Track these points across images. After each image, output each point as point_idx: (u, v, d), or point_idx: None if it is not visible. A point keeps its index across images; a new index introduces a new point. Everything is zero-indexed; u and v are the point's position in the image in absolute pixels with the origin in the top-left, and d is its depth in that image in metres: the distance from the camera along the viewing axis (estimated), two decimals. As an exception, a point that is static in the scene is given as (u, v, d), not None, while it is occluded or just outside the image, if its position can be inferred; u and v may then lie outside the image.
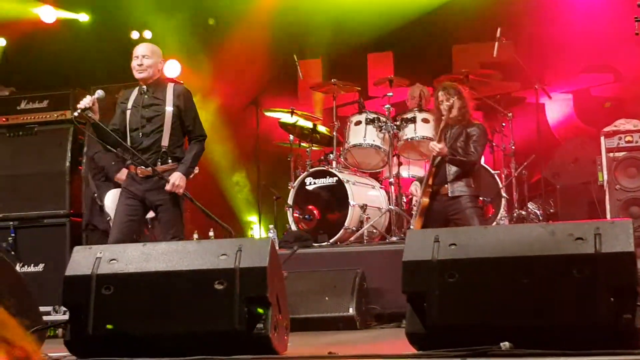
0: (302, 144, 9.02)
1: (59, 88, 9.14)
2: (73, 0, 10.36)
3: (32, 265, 8.05)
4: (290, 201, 8.26)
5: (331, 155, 8.56)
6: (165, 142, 6.41)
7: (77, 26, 10.51)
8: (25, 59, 10.15)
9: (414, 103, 8.51)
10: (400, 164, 8.33)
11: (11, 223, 8.16)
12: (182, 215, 6.58)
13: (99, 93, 6.38)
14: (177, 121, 6.47)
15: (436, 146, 6.98)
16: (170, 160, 6.40)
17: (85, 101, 6.29)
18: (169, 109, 6.43)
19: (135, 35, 10.64)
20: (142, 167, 6.40)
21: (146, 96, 6.50)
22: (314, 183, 8.25)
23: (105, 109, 6.75)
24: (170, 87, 6.56)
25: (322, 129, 8.91)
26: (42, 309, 6.54)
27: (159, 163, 6.38)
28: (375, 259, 7.31)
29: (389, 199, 8.20)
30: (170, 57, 10.39)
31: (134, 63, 6.51)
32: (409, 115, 8.14)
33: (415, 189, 7.33)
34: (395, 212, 8.03)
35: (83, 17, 10.61)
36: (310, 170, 8.37)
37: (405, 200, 8.22)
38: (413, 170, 8.52)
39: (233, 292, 4.26)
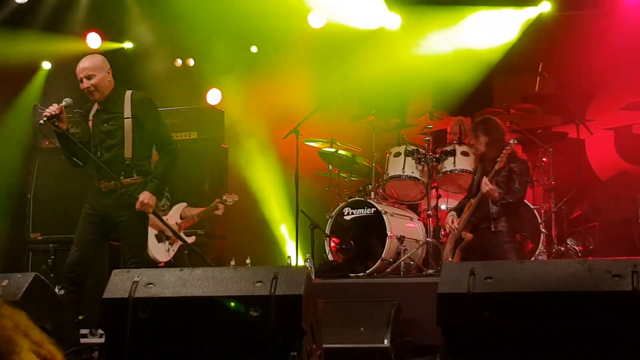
0: (341, 174, 9.05)
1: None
2: (118, 30, 10.52)
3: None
4: (327, 231, 8.27)
5: (370, 186, 8.57)
6: (128, 154, 6.09)
7: (122, 53, 10.67)
8: (69, 83, 10.31)
9: (455, 139, 8.52)
10: (438, 196, 8.31)
11: (51, 245, 8.26)
12: (145, 235, 6.27)
13: (67, 101, 6.00)
14: (139, 131, 6.12)
15: (487, 186, 6.95)
16: (135, 174, 6.08)
17: (52, 108, 5.92)
18: (127, 119, 6.08)
19: (178, 62, 10.78)
20: (105, 181, 6.07)
21: (103, 110, 6.15)
22: (352, 213, 8.26)
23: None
24: (127, 96, 6.18)
25: (361, 159, 8.93)
26: (80, 330, 6.60)
27: (122, 176, 6.06)
28: (412, 291, 7.26)
29: (426, 232, 8.17)
30: (212, 84, 10.52)
31: (81, 86, 6.11)
32: (449, 148, 8.15)
33: (452, 220, 7.30)
34: (433, 245, 8.00)
35: (127, 45, 10.77)
36: (349, 200, 8.39)
37: (442, 232, 8.19)
38: (452, 203, 8.48)
39: (268, 319, 4.28)
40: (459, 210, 7.41)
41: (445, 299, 4.19)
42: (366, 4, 10.14)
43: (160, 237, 7.89)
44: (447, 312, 4.18)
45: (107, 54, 10.37)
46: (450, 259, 7.20)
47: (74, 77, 10.09)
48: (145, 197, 6.00)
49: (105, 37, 10.33)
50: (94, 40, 10.32)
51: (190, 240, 7.97)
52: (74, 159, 6.17)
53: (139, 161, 6.12)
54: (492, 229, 7.03)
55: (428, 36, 10.05)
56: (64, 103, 5.97)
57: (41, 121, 5.91)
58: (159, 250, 7.85)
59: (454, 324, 4.15)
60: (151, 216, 7.73)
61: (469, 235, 7.08)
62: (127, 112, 6.08)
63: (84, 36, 10.23)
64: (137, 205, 5.98)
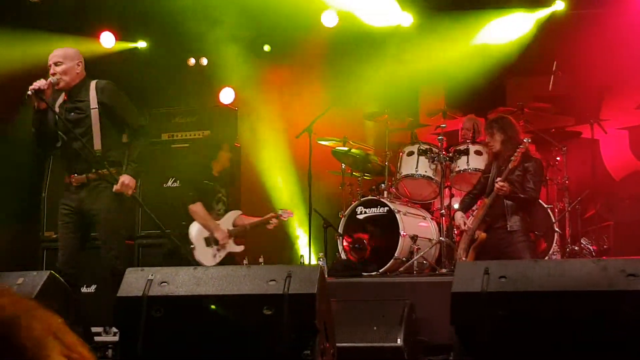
0: (354, 172, 9.04)
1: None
2: (132, 29, 10.53)
3: (85, 286, 8.16)
4: (340, 230, 8.26)
5: (383, 184, 8.56)
6: (97, 145, 5.99)
7: (135, 52, 10.70)
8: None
9: (467, 135, 8.49)
10: (452, 195, 8.30)
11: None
12: (123, 225, 6.22)
13: (54, 79, 5.98)
14: (107, 120, 6.02)
15: (498, 183, 6.95)
16: (106, 165, 5.97)
17: (41, 82, 5.84)
18: (94, 109, 5.99)
19: (192, 61, 10.80)
20: (76, 174, 6.00)
21: (69, 100, 6.08)
22: (365, 212, 8.26)
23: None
24: (92, 85, 6.10)
25: (374, 158, 8.93)
26: (93, 329, 6.63)
27: (93, 169, 5.98)
28: (425, 290, 7.25)
29: (439, 231, 8.16)
30: (225, 84, 10.53)
31: (50, 71, 6.04)
32: (462, 147, 8.13)
33: (464, 221, 7.29)
34: (446, 244, 7.99)
35: (141, 44, 10.79)
36: (362, 199, 8.38)
37: (456, 232, 8.17)
38: (465, 202, 8.47)
39: (281, 318, 4.29)
40: (464, 208, 7.41)
41: (459, 298, 4.19)
42: (380, 3, 10.11)
43: (208, 241, 7.86)
44: (461, 311, 4.18)
45: (121, 53, 10.51)
46: (463, 259, 7.19)
47: (88, 77, 10.17)
48: (125, 178, 5.94)
49: (119, 36, 10.36)
50: (108, 39, 10.34)
51: (239, 249, 7.97)
52: (43, 141, 6.10)
53: (108, 151, 6.04)
54: (507, 229, 7.02)
55: (442, 36, 10.01)
56: (51, 79, 5.95)
57: (28, 92, 5.80)
58: (205, 254, 7.82)
59: (468, 323, 4.14)
60: (203, 218, 7.76)
61: (482, 235, 7.07)
62: (93, 102, 6.02)
63: (97, 36, 10.26)
64: (117, 186, 5.91)
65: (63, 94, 6.13)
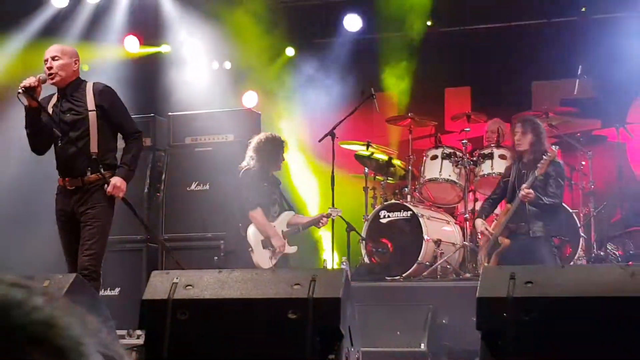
0: (377, 176, 9.02)
1: (139, 115, 9.37)
2: (156, 34, 10.58)
3: (109, 289, 8.18)
4: (364, 234, 8.25)
5: (406, 188, 8.54)
6: (94, 148, 5.86)
7: (159, 56, 10.74)
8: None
9: (492, 139, 8.46)
10: (476, 199, 8.26)
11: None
12: (107, 232, 6.01)
13: (43, 76, 5.81)
14: (104, 123, 5.91)
15: (524, 190, 6.89)
16: (101, 169, 5.85)
17: (30, 80, 5.67)
18: (92, 111, 5.87)
19: (215, 65, 10.83)
20: (71, 177, 5.86)
21: (64, 100, 5.94)
22: (388, 216, 8.23)
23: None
24: (89, 87, 5.96)
25: (397, 162, 8.90)
26: (117, 332, 6.65)
27: (89, 172, 5.84)
28: (449, 295, 7.23)
29: (463, 235, 8.13)
30: (248, 87, 10.55)
31: (45, 67, 5.90)
32: (486, 151, 8.09)
33: (485, 227, 7.24)
34: (470, 249, 7.95)
35: (165, 49, 10.84)
36: (385, 203, 8.36)
37: (479, 236, 8.13)
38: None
39: (306, 322, 4.27)
40: (484, 214, 7.34)
41: (484, 303, 4.16)
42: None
43: (265, 244, 7.86)
44: (487, 316, 4.14)
45: (145, 58, 10.56)
46: (485, 264, 7.15)
47: (112, 80, 10.23)
48: (117, 180, 5.84)
49: (142, 41, 10.40)
50: (132, 43, 10.39)
51: (292, 250, 7.93)
52: (36, 142, 5.96)
53: (104, 154, 5.94)
54: (531, 235, 6.97)
55: (464, 43, 9.99)
56: (41, 77, 5.78)
57: (19, 91, 5.64)
58: (262, 257, 7.81)
59: (494, 328, 4.11)
60: (262, 224, 7.74)
61: (506, 241, 7.03)
62: (91, 104, 5.90)
63: (122, 40, 10.31)
64: (109, 189, 5.80)
65: (56, 94, 6.02)
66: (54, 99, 6.00)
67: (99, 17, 10.01)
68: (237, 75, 10.67)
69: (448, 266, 8.02)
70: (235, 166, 8.70)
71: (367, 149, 8.77)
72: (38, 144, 6.00)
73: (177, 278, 4.54)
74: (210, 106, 9.84)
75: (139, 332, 6.42)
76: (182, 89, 10.37)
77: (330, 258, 8.63)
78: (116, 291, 8.30)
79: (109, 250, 8.23)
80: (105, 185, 5.84)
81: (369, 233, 8.27)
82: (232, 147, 8.78)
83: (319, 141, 8.71)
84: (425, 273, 7.95)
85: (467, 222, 8.08)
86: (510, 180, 7.24)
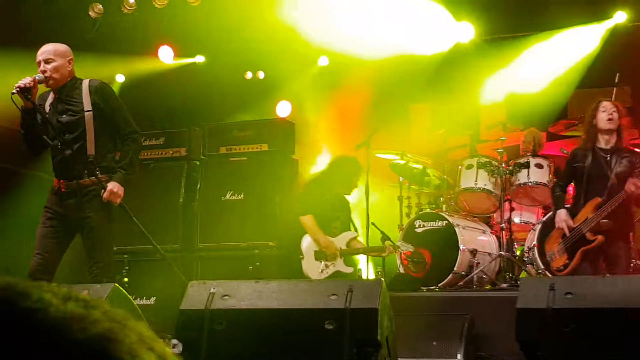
0: (411, 186, 8.99)
1: (175, 126, 9.43)
2: (190, 44, 10.64)
3: (144, 298, 8.23)
4: (399, 243, 8.21)
5: (441, 198, 8.50)
6: (90, 150, 5.67)
7: (193, 67, 10.80)
8: (141, 96, 10.48)
9: (528, 148, 8.39)
10: (512, 209, 8.18)
11: (125, 256, 8.36)
12: (112, 236, 5.85)
13: (40, 76, 5.61)
14: (101, 123, 5.72)
15: (637, 183, 6.40)
16: (98, 172, 5.65)
17: (26, 80, 5.48)
18: (88, 112, 5.68)
19: (249, 75, 10.87)
20: (66, 180, 5.66)
21: (60, 101, 5.75)
22: (424, 226, 8.20)
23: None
24: (85, 85, 5.76)
25: (432, 171, 8.86)
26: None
27: (85, 175, 5.64)
28: (485, 305, 7.18)
29: (499, 245, 8.06)
30: (282, 97, 10.57)
31: (38, 68, 5.67)
32: (523, 160, 8.02)
33: (568, 220, 6.76)
34: (506, 258, 7.89)
35: (199, 59, 10.89)
36: (420, 213, 8.33)
37: (516, 245, 8.07)
38: (525, 216, 8.38)
39: (343, 332, 4.27)
40: (562, 204, 6.92)
41: (524, 314, 4.13)
42: (434, 25, 10.02)
43: (318, 255, 7.88)
44: (526, 327, 4.11)
45: (180, 68, 10.63)
46: (557, 258, 6.85)
47: (147, 91, 10.32)
48: (114, 186, 5.65)
49: (177, 52, 10.47)
50: (166, 54, 10.46)
51: (348, 270, 7.95)
52: (32, 143, 5.79)
53: (101, 156, 5.74)
54: (617, 230, 6.63)
55: (501, 54, 9.91)
56: (37, 77, 5.59)
57: (13, 91, 5.46)
58: (312, 267, 7.84)
59: (533, 339, 4.07)
60: (312, 231, 7.76)
61: (600, 238, 6.62)
62: (87, 104, 5.72)
63: (156, 51, 10.39)
64: (105, 195, 5.61)
65: (52, 94, 5.82)
66: (50, 99, 5.81)
67: (134, 28, 10.08)
68: (270, 85, 10.69)
69: (484, 276, 7.96)
70: (270, 175, 8.74)
71: (402, 158, 8.74)
72: (34, 145, 5.83)
73: (214, 288, 4.56)
74: (244, 116, 9.88)
75: (174, 341, 6.43)
76: (217, 99, 10.42)
77: (365, 268, 8.60)
78: (152, 300, 8.34)
79: (145, 259, 8.35)
80: (102, 191, 5.66)
81: (404, 242, 8.23)
82: (267, 157, 8.81)
83: (354, 150, 8.69)
84: (461, 283, 7.90)
85: (503, 232, 8.01)
86: (585, 166, 6.74)
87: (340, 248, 7.96)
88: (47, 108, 5.77)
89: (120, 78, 10.59)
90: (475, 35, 9.90)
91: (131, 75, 10.58)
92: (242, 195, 8.71)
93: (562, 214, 6.84)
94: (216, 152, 9.04)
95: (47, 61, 5.66)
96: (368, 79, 10.31)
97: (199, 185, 8.85)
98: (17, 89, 5.44)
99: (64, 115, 5.73)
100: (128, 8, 9.98)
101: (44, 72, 5.63)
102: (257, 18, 9.80)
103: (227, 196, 8.77)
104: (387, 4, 9.80)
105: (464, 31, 9.89)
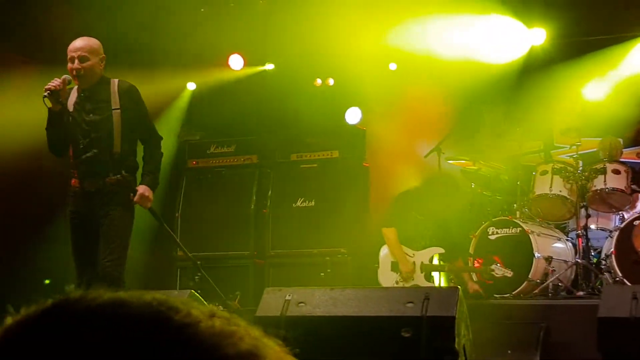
0: (484, 192, 8.88)
1: (245, 133, 9.49)
2: (260, 52, 10.70)
3: (216, 304, 8.27)
4: (471, 251, 8.11)
5: (514, 204, 8.37)
6: (117, 148, 5.57)
7: (263, 74, 10.86)
8: (212, 104, 10.58)
9: (604, 154, 8.23)
10: (588, 215, 8.02)
11: (199, 262, 8.43)
12: (129, 233, 5.66)
13: (67, 77, 5.49)
14: (127, 123, 5.61)
15: None
16: (123, 170, 5.55)
17: (56, 82, 5.39)
18: (116, 110, 5.59)
19: (318, 82, 10.87)
20: (91, 179, 5.54)
21: (87, 98, 5.64)
22: (497, 233, 8.08)
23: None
24: (114, 85, 5.66)
25: (505, 177, 8.73)
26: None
27: (110, 173, 5.54)
28: (561, 314, 7.04)
29: (575, 252, 7.91)
30: (352, 104, 10.55)
31: (70, 66, 5.51)
32: (599, 166, 7.86)
33: None
34: (583, 266, 7.73)
35: (269, 67, 10.94)
36: (493, 219, 8.21)
37: (592, 253, 7.90)
38: (601, 222, 8.19)
39: (419, 340, 4.22)
40: None
41: (606, 324, 4.03)
42: (504, 35, 9.89)
43: (394, 267, 7.88)
44: (609, 337, 4.01)
45: (250, 76, 10.69)
46: None
47: (218, 99, 10.40)
48: (145, 190, 5.57)
49: (247, 60, 10.54)
50: (236, 62, 10.54)
51: (427, 284, 7.88)
52: (56, 143, 5.66)
53: (126, 156, 5.65)
54: None
55: (580, 61, 9.73)
56: (65, 78, 5.49)
57: (45, 94, 5.35)
58: (387, 277, 7.84)
59: (616, 349, 3.97)
60: (391, 244, 7.76)
61: None
62: (115, 102, 5.61)
63: (226, 59, 10.47)
64: (136, 198, 5.54)
65: (76, 91, 5.69)
66: (74, 96, 5.70)
67: (205, 37, 10.17)
68: (340, 91, 10.68)
69: (560, 284, 7.80)
70: (341, 182, 8.74)
71: (474, 164, 8.64)
72: (58, 145, 5.72)
73: (289, 295, 4.55)
74: (314, 123, 9.89)
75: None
76: (287, 106, 10.45)
77: (437, 275, 8.51)
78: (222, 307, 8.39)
79: (217, 266, 8.42)
80: (131, 194, 5.60)
81: (477, 250, 8.13)
82: (338, 164, 8.82)
83: (425, 157, 8.63)
84: (536, 291, 7.76)
85: (579, 239, 7.85)
86: None
87: (422, 263, 7.87)
88: (70, 107, 5.66)
89: (191, 86, 10.71)
90: (547, 40, 9.74)
91: (202, 84, 10.69)
92: (313, 202, 8.73)
93: None
94: (287, 159, 9.07)
95: (82, 59, 5.52)
96: (438, 84, 10.22)
97: (270, 192, 8.89)
98: (48, 92, 5.36)
99: (92, 115, 5.62)
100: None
101: (78, 69, 5.49)
102: (326, 24, 9.80)
103: (298, 203, 8.79)
104: (457, 14, 9.73)
105: (537, 37, 9.74)
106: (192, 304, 0.84)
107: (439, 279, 8.25)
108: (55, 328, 0.78)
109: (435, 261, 7.94)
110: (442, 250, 7.99)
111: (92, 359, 0.75)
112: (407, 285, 7.74)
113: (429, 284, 7.84)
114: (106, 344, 0.76)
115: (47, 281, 8.45)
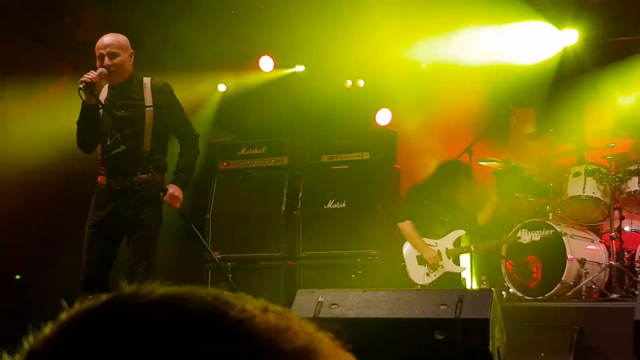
0: (516, 194, 8.81)
1: (276, 135, 9.50)
2: (290, 54, 10.71)
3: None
4: (503, 253, 8.06)
5: (547, 206, 8.30)
6: (146, 146, 5.51)
7: (293, 76, 10.87)
8: (243, 106, 10.61)
9: (638, 155, 8.15)
10: (622, 217, 7.93)
11: (229, 264, 8.46)
12: (158, 236, 5.58)
13: (104, 71, 5.41)
14: (159, 121, 5.55)
15: None
16: (152, 169, 5.46)
17: (92, 75, 5.29)
18: (149, 107, 5.53)
19: (349, 83, 10.86)
20: (118, 177, 5.47)
21: (119, 95, 5.59)
22: (529, 235, 8.03)
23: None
24: (147, 83, 5.61)
25: (537, 179, 8.67)
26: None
27: (139, 172, 5.48)
28: (595, 317, 6.97)
29: (609, 254, 7.83)
30: (382, 105, 10.52)
31: (99, 62, 5.44)
32: (633, 167, 7.78)
33: None
34: (617, 268, 7.65)
35: (299, 69, 10.95)
36: (525, 221, 8.15)
37: (626, 255, 7.82)
38: (636, 224, 8.10)
39: (453, 342, 4.20)
40: None
41: (643, 327, 3.98)
42: (535, 37, 9.82)
43: (420, 260, 7.88)
44: (645, 340, 3.96)
45: (281, 78, 10.71)
46: None
47: (249, 101, 10.43)
48: (175, 189, 5.51)
49: (277, 62, 10.55)
50: (267, 64, 10.56)
51: (458, 269, 7.90)
52: (87, 138, 5.59)
53: (156, 155, 5.59)
54: None
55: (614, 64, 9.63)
56: (101, 71, 5.40)
57: (80, 86, 5.27)
58: (417, 273, 7.84)
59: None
60: (410, 237, 7.77)
61: None
62: (148, 100, 5.55)
63: (257, 61, 10.49)
64: (166, 198, 5.47)
65: (107, 88, 5.64)
66: (105, 92, 5.64)
67: (235, 39, 10.20)
68: (370, 93, 10.66)
69: (593, 286, 7.73)
70: (372, 184, 8.72)
71: (506, 165, 8.59)
72: (88, 141, 5.65)
73: (322, 297, 4.55)
74: (345, 124, 9.88)
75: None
76: (317, 107, 10.45)
77: (469, 277, 8.46)
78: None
79: (248, 267, 8.44)
80: (161, 194, 5.52)
81: (510, 252, 8.08)
82: (368, 165, 8.80)
83: (456, 158, 8.59)
84: (569, 293, 7.69)
85: (613, 241, 7.78)
86: None
87: (447, 248, 7.87)
88: (102, 101, 5.58)
89: (222, 87, 10.74)
90: (579, 41, 9.66)
91: (233, 86, 10.72)
92: (343, 204, 8.71)
93: None
94: (318, 160, 9.07)
95: (111, 55, 5.46)
96: (470, 85, 10.17)
97: (300, 194, 8.89)
98: (83, 84, 5.26)
99: (123, 111, 5.56)
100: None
101: (108, 66, 5.43)
102: (356, 26, 9.80)
103: (329, 204, 8.78)
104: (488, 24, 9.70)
105: (569, 38, 9.67)
106: (246, 298, 0.84)
107: (470, 261, 8.23)
108: (110, 324, 0.78)
109: (462, 243, 7.96)
110: (463, 232, 7.99)
111: (148, 355, 0.75)
112: (438, 275, 7.73)
113: (458, 268, 7.82)
114: (162, 340, 0.76)
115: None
